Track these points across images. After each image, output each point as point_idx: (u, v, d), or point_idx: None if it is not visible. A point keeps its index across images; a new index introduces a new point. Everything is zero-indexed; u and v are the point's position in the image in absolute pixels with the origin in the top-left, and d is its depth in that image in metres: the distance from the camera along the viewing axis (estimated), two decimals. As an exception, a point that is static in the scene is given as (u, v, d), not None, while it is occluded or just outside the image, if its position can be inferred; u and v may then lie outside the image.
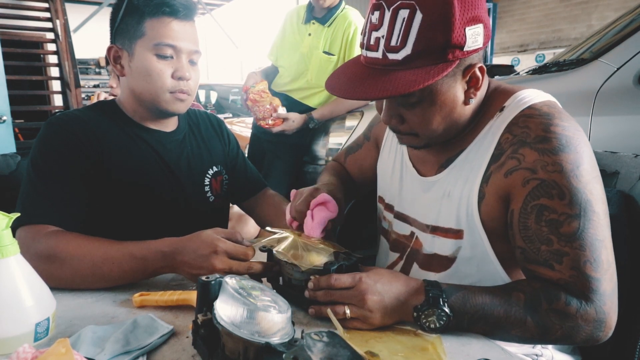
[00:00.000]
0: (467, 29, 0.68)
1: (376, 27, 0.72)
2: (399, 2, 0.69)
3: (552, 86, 1.76)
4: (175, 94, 1.01)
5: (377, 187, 1.07)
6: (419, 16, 0.67)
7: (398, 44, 0.69)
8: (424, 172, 0.91)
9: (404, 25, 0.68)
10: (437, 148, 0.87)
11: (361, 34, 0.77)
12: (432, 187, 0.88)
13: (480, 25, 0.70)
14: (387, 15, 0.70)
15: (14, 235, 0.66)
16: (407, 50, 0.69)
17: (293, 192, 0.98)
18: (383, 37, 0.71)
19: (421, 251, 0.89)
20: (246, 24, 11.91)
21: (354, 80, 0.75)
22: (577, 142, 0.73)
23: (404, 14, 0.68)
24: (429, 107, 0.76)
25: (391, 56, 0.71)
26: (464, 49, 0.69)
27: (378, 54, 0.72)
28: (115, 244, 0.85)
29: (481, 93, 0.82)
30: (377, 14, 0.72)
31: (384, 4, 0.71)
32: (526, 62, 9.55)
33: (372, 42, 0.73)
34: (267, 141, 2.26)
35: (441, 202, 0.85)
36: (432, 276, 0.88)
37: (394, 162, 1.00)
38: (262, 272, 0.81)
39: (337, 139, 2.25)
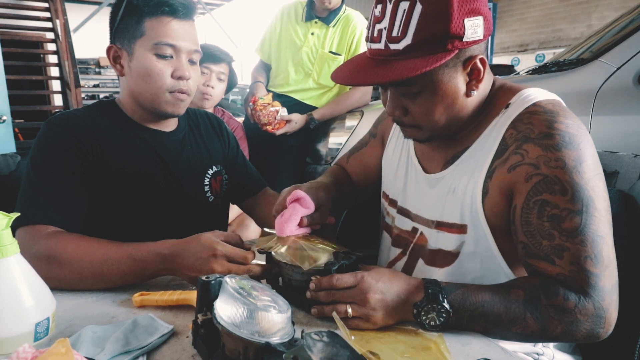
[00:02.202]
0: (466, 20, 0.71)
1: (379, 20, 0.75)
2: None
3: (552, 86, 1.76)
4: (175, 93, 1.01)
5: (382, 183, 1.07)
6: (418, 7, 0.70)
7: (399, 35, 0.72)
8: (429, 169, 0.92)
9: (404, 16, 0.72)
10: (443, 144, 0.88)
11: (366, 28, 0.80)
12: (438, 184, 0.88)
13: (480, 18, 0.72)
14: (389, 7, 0.73)
15: (13, 235, 0.66)
16: (407, 40, 0.72)
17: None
18: (385, 28, 0.74)
19: (426, 247, 0.90)
20: (246, 24, 11.90)
21: (358, 69, 0.79)
22: (580, 139, 0.74)
23: (404, 5, 0.72)
24: (430, 97, 0.78)
25: (393, 46, 0.74)
26: (463, 40, 0.72)
27: (381, 45, 0.75)
28: (115, 246, 0.85)
29: (484, 87, 0.83)
30: (380, 6, 0.76)
31: None
32: (526, 62, 9.56)
33: (375, 34, 0.76)
34: (269, 144, 2.25)
35: (446, 197, 0.86)
36: (436, 272, 0.88)
37: (399, 158, 1.00)
38: (262, 275, 0.81)
39: (337, 139, 2.25)
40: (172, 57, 1.00)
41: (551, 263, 0.71)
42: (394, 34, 0.73)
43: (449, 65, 0.74)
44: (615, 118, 1.61)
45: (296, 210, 0.86)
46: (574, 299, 0.69)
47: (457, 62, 0.75)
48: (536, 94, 0.81)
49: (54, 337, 0.68)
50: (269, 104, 2.09)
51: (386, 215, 1.04)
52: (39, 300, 0.66)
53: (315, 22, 2.16)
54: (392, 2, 0.73)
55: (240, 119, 2.35)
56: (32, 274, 0.68)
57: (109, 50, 1.03)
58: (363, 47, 2.13)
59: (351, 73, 0.80)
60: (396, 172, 1.00)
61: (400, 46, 0.72)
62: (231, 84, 2.03)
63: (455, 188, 0.84)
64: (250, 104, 2.12)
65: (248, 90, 2.30)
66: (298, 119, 2.13)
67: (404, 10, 0.71)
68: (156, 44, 0.97)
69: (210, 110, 1.98)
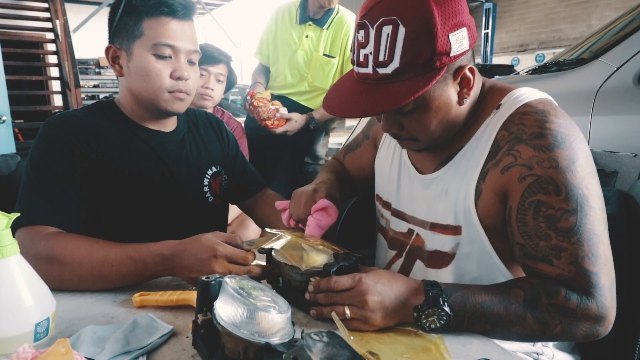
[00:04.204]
0: (450, 35, 0.70)
1: (363, 45, 0.74)
2: (382, 19, 0.71)
3: (552, 86, 1.76)
4: (174, 93, 1.01)
5: (375, 185, 1.08)
6: (402, 30, 0.69)
7: (386, 59, 0.71)
8: (422, 170, 0.92)
9: (389, 40, 0.70)
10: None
11: (350, 51, 0.79)
12: (431, 185, 0.89)
13: (464, 29, 0.72)
14: (372, 32, 0.72)
15: (13, 235, 0.66)
16: (395, 64, 0.71)
17: (278, 204, 1.01)
18: (371, 53, 0.73)
19: (424, 248, 0.90)
20: (246, 24, 11.90)
21: (350, 97, 0.78)
22: (572, 138, 0.74)
23: (387, 29, 0.70)
24: (425, 113, 0.78)
25: (381, 71, 0.73)
26: (451, 55, 0.71)
27: (368, 70, 0.74)
28: (115, 247, 0.85)
29: (475, 92, 0.83)
30: (362, 32, 0.74)
31: (367, 22, 0.73)
32: (526, 62, 9.56)
33: (361, 58, 0.75)
34: (268, 143, 2.25)
35: (438, 199, 0.86)
36: (434, 273, 0.88)
37: (391, 160, 1.01)
38: (262, 276, 0.81)
39: (337, 139, 2.25)
40: (171, 57, 0.99)
41: (550, 264, 0.71)
42: (381, 58, 0.72)
43: (439, 80, 0.74)
44: (615, 118, 1.61)
45: (325, 219, 0.89)
46: (576, 299, 0.69)
47: (446, 75, 0.75)
48: (527, 93, 0.81)
49: (54, 337, 0.68)
50: (268, 101, 2.09)
51: (380, 218, 1.05)
52: (39, 300, 0.66)
53: (309, 25, 2.15)
54: (375, 27, 0.71)
55: (241, 119, 2.34)
56: (32, 274, 0.68)
57: (107, 50, 1.03)
58: None
59: (344, 102, 0.78)
60: (389, 174, 1.00)
61: (388, 70, 0.72)
62: (230, 84, 2.03)
63: (448, 189, 0.85)
64: (248, 97, 2.12)
65: (248, 90, 2.31)
66: (298, 118, 2.13)
67: (388, 34, 0.70)
68: (155, 44, 0.97)
69: (210, 111, 1.99)
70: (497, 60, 10.17)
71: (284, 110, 2.12)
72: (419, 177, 0.92)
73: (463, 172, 0.83)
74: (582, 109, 1.63)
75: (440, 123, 0.79)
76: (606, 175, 1.01)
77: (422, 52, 0.70)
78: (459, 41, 0.71)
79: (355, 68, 0.78)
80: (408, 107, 0.76)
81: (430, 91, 0.75)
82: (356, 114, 0.77)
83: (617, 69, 1.63)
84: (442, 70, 0.72)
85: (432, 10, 0.68)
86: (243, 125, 2.23)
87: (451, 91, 0.77)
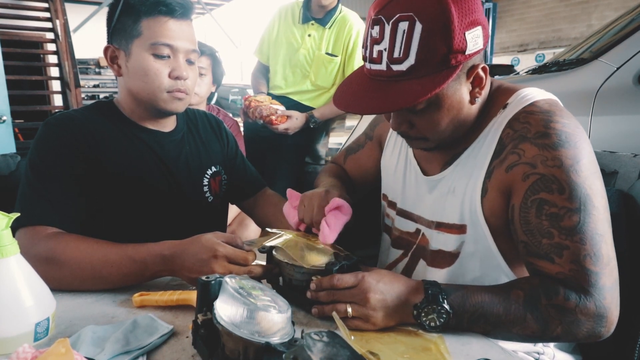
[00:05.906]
0: (466, 33, 0.70)
1: (377, 41, 0.73)
2: (398, 15, 0.70)
3: (552, 86, 1.76)
4: (173, 93, 1.01)
5: (381, 185, 1.07)
6: (418, 27, 0.69)
7: (401, 56, 0.71)
8: (428, 170, 0.92)
9: (405, 37, 0.70)
10: None
11: (362, 47, 0.78)
12: (437, 185, 0.89)
13: (479, 28, 0.71)
14: (387, 28, 0.71)
15: (13, 235, 0.66)
16: (410, 61, 0.70)
17: (289, 191, 0.98)
18: (385, 49, 0.72)
19: (428, 248, 0.90)
20: (246, 24, 11.89)
21: (362, 94, 0.77)
22: (576, 138, 0.74)
23: (403, 26, 0.70)
24: (437, 111, 0.77)
25: (395, 67, 0.72)
26: (466, 53, 0.71)
27: (382, 66, 0.73)
28: (115, 247, 0.85)
29: (485, 92, 0.83)
30: (377, 28, 0.73)
31: (383, 18, 0.72)
32: (526, 62, 9.56)
33: (374, 55, 0.74)
34: (268, 143, 2.25)
35: (445, 198, 0.86)
36: (437, 272, 0.88)
37: (397, 160, 1.01)
38: (262, 275, 0.81)
39: (337, 139, 2.25)
40: (169, 57, 0.99)
41: (551, 262, 0.72)
42: (396, 55, 0.71)
43: (453, 79, 0.73)
44: (615, 118, 1.61)
45: (340, 219, 0.86)
46: (575, 299, 0.69)
47: (460, 74, 0.74)
48: (533, 93, 0.81)
49: (54, 337, 0.68)
50: (262, 102, 2.09)
51: (385, 217, 1.04)
52: (39, 300, 0.66)
53: (312, 24, 2.16)
54: (391, 23, 0.70)
55: (238, 118, 2.34)
56: (32, 274, 0.68)
57: (106, 50, 1.03)
58: (359, 48, 2.13)
59: (356, 98, 0.77)
60: (394, 174, 1.00)
61: (403, 67, 0.71)
62: (217, 77, 1.97)
63: (455, 188, 0.85)
64: (243, 100, 2.13)
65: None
66: (299, 116, 2.13)
67: (404, 30, 0.69)
68: (153, 44, 0.97)
69: (202, 108, 1.96)
70: (497, 60, 10.18)
71: (283, 109, 2.12)
72: (425, 179, 0.92)
73: (469, 171, 0.83)
74: (582, 109, 1.63)
75: (451, 122, 0.79)
76: (606, 176, 1.00)
77: (438, 49, 0.69)
78: (474, 39, 0.71)
79: (367, 64, 0.77)
80: (420, 106, 0.76)
81: (443, 90, 0.74)
82: (371, 111, 0.76)
83: (617, 69, 1.63)
84: (457, 69, 0.72)
85: (449, 8, 0.68)
86: (240, 123, 2.23)
87: (464, 90, 0.77)
